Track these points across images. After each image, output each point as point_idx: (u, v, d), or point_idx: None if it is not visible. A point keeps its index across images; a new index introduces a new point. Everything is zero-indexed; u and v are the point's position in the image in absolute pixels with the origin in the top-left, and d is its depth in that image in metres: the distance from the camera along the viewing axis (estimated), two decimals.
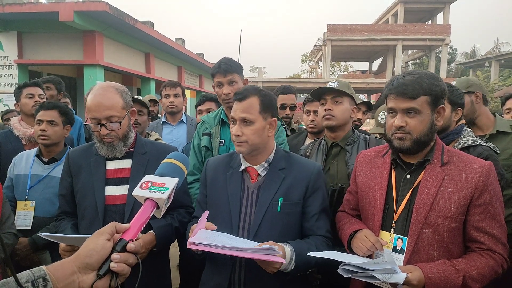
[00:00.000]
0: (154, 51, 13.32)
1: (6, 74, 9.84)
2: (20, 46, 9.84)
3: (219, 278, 1.59)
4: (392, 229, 1.50)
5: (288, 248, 1.46)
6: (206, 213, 1.55)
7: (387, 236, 1.50)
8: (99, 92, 1.71)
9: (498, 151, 2.01)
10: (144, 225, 1.04)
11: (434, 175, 1.45)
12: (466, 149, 1.99)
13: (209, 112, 2.97)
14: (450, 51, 42.96)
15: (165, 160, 1.27)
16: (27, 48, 10.00)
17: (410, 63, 46.64)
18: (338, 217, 1.79)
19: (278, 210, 1.58)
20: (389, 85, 1.50)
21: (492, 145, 2.01)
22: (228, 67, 2.36)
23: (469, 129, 2.12)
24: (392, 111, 1.50)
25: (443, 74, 33.41)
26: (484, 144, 1.99)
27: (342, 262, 1.36)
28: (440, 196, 1.41)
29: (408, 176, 1.52)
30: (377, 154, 1.68)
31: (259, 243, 1.41)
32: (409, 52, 43.10)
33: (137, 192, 1.11)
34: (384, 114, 2.82)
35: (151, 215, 1.08)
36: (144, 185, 1.13)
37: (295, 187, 1.63)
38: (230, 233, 1.56)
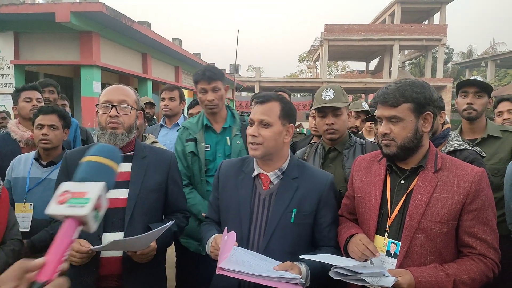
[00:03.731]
0: (151, 52, 13.30)
1: (2, 75, 9.80)
2: (16, 46, 9.80)
3: (229, 283, 1.58)
4: (386, 233, 1.52)
5: (303, 268, 1.48)
6: (231, 236, 1.48)
7: (381, 241, 1.53)
8: (118, 85, 1.88)
9: (484, 155, 2.05)
10: (67, 253, 0.80)
11: (427, 181, 1.47)
12: (453, 153, 2.04)
13: None
14: (447, 51, 43.05)
15: (84, 159, 1.01)
16: (23, 48, 9.97)
17: (407, 63, 46.77)
18: None
19: (292, 221, 1.59)
20: (376, 94, 1.56)
21: (479, 149, 2.05)
22: (213, 75, 2.39)
23: (455, 133, 2.16)
24: (379, 119, 1.56)
25: (439, 74, 33.56)
26: (470, 148, 2.03)
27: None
28: (433, 202, 1.44)
29: (403, 181, 1.54)
30: (373, 159, 1.71)
31: (275, 261, 1.45)
32: (406, 52, 43.22)
33: (53, 209, 0.85)
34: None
35: (75, 237, 0.85)
36: (61, 198, 0.86)
37: (308, 198, 1.63)
38: (240, 239, 1.56)
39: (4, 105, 9.51)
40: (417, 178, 1.51)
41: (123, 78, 13.52)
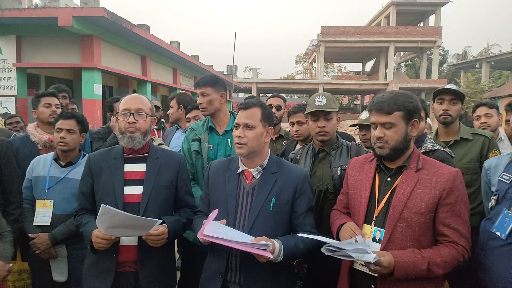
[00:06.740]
0: (150, 54, 13.54)
1: (5, 77, 10.00)
2: (19, 49, 10.02)
3: (218, 264, 1.87)
4: (373, 222, 1.77)
5: (277, 243, 1.73)
6: (215, 212, 1.80)
7: (368, 228, 1.78)
8: (135, 95, 2.19)
9: (453, 155, 2.33)
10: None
11: (409, 179, 1.72)
12: (427, 153, 2.30)
13: (196, 119, 3.33)
14: (442, 52, 43.31)
15: None
16: (25, 51, 10.18)
17: (402, 64, 47.09)
18: (332, 215, 2.07)
19: (271, 209, 1.85)
20: (371, 102, 1.81)
21: (448, 149, 2.36)
22: (201, 81, 2.73)
23: (430, 136, 2.44)
24: (374, 124, 1.80)
25: (434, 76, 33.90)
26: (441, 149, 2.32)
27: (326, 244, 1.66)
28: (413, 196, 1.68)
29: (389, 179, 1.79)
30: (365, 160, 1.96)
31: (254, 237, 1.70)
32: (402, 53, 43.56)
33: None
34: (366, 113, 3.13)
35: None
36: None
37: (285, 189, 1.89)
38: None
39: (6, 107, 9.70)
40: (401, 176, 1.75)
41: (122, 79, 13.71)
